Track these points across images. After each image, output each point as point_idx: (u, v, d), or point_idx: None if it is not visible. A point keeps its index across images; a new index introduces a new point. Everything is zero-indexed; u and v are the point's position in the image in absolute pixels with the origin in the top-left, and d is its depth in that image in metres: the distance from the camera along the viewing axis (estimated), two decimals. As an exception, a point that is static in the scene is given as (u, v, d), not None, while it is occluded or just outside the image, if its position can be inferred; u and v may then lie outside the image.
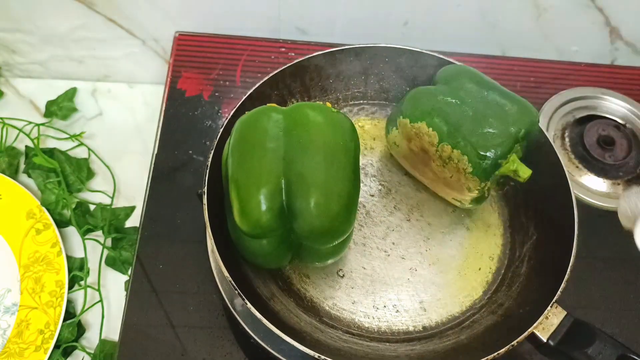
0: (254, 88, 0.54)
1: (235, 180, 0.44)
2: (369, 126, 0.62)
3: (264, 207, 0.42)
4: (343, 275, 0.53)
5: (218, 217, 0.48)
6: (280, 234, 0.45)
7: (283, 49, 0.71)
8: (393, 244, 0.55)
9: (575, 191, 0.63)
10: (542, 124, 0.68)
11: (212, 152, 0.50)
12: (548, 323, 0.45)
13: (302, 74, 0.59)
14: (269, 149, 0.44)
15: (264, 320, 0.43)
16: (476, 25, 0.71)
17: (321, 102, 0.48)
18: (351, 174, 0.45)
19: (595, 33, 0.72)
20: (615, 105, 0.70)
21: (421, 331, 0.51)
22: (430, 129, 0.50)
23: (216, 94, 0.68)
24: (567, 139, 0.67)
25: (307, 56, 0.58)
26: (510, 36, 0.73)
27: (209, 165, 0.49)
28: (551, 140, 0.54)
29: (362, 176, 0.57)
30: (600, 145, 0.66)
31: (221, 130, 0.51)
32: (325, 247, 0.46)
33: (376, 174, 0.59)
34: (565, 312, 0.46)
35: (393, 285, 0.53)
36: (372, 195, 0.57)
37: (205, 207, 0.47)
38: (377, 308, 0.52)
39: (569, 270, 0.47)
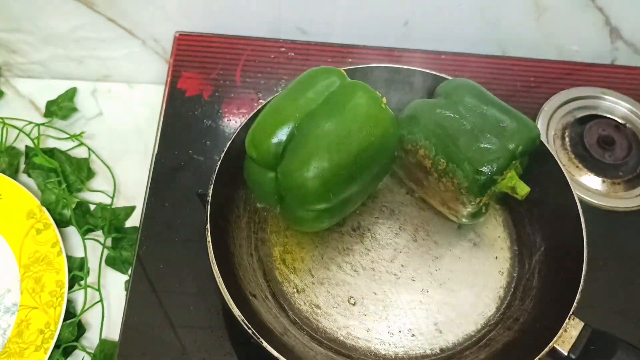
0: (257, 108, 0.54)
1: (268, 106, 0.50)
2: None
3: (270, 137, 0.46)
4: (354, 303, 0.52)
5: (222, 250, 0.48)
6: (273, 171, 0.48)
7: (283, 49, 0.71)
8: (402, 266, 0.54)
9: (575, 191, 0.63)
10: (542, 124, 0.68)
11: (212, 185, 0.50)
12: (567, 336, 0.44)
13: None
14: (306, 97, 0.48)
15: (282, 359, 0.42)
16: (476, 25, 0.71)
17: (380, 94, 0.49)
18: (351, 162, 0.46)
19: (596, 33, 0.72)
20: (615, 105, 0.70)
21: (439, 353, 0.50)
22: (427, 141, 0.50)
23: (216, 93, 0.68)
24: (567, 139, 0.67)
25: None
26: (510, 36, 0.73)
27: (209, 199, 0.49)
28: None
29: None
30: (601, 145, 0.66)
31: (223, 155, 0.51)
32: (297, 208, 0.48)
33: (377, 195, 0.58)
34: (582, 323, 0.45)
35: (406, 309, 0.52)
36: (377, 217, 0.56)
37: (210, 244, 0.47)
38: (393, 334, 0.51)
39: (582, 280, 0.46)
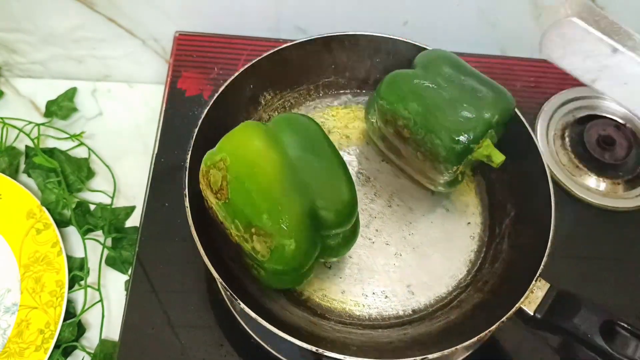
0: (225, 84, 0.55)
1: (254, 225, 0.42)
2: (342, 114, 0.62)
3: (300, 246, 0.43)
4: (330, 266, 0.53)
5: (202, 217, 0.48)
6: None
7: (283, 49, 0.71)
8: (377, 230, 0.55)
9: (575, 191, 0.63)
10: (542, 124, 0.68)
11: (190, 151, 0.50)
12: (533, 297, 0.46)
13: (272, 66, 0.59)
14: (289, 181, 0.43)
15: (259, 319, 0.43)
16: (476, 25, 0.71)
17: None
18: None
19: (595, 33, 0.72)
20: (615, 105, 0.70)
21: (411, 314, 0.52)
22: (406, 112, 0.51)
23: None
24: (567, 139, 0.67)
25: (276, 48, 0.58)
26: (510, 36, 0.73)
27: (187, 166, 0.49)
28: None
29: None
30: (600, 145, 0.66)
31: (196, 131, 0.51)
32: (346, 230, 0.47)
33: (354, 162, 0.59)
34: (548, 285, 0.46)
35: (380, 272, 0.53)
36: None
37: (188, 209, 0.47)
38: (367, 295, 0.52)
39: (549, 243, 0.47)
